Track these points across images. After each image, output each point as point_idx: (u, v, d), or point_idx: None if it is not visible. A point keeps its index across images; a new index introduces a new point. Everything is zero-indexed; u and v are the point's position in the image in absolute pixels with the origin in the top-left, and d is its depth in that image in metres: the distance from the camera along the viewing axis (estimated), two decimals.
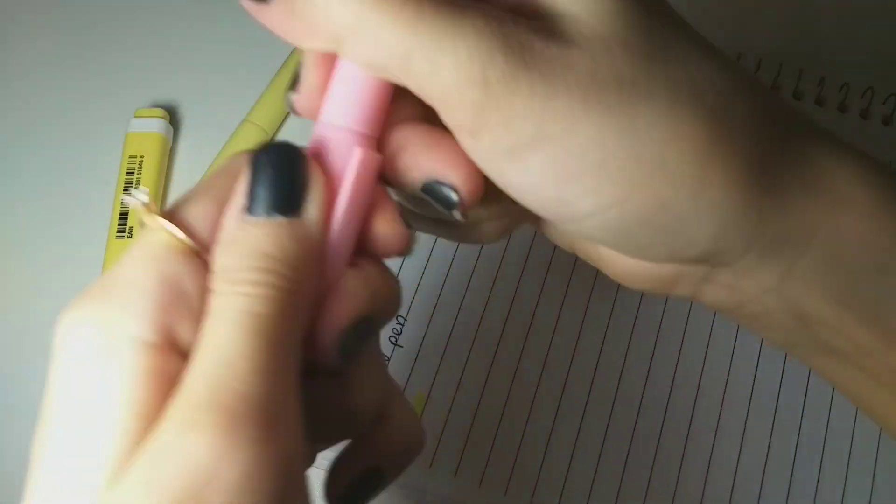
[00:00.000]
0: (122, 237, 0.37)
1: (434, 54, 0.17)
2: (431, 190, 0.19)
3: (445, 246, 0.36)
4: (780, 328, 0.21)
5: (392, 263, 0.21)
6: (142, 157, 0.39)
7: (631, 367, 0.34)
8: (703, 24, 0.47)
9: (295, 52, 0.41)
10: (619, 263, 0.22)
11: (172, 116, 0.41)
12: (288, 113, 0.41)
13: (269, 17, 0.19)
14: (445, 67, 0.17)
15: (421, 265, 0.36)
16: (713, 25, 0.44)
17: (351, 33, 0.18)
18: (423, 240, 0.34)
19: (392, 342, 0.35)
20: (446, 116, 0.18)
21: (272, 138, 0.40)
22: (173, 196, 0.40)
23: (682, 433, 0.33)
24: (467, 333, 0.35)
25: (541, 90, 0.17)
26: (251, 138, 0.39)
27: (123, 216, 0.38)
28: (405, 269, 0.36)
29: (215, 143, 0.40)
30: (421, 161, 0.19)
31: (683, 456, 0.33)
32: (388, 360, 0.34)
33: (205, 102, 0.41)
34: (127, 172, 0.38)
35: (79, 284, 0.37)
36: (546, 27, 0.18)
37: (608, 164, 0.18)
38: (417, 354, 0.34)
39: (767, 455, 0.33)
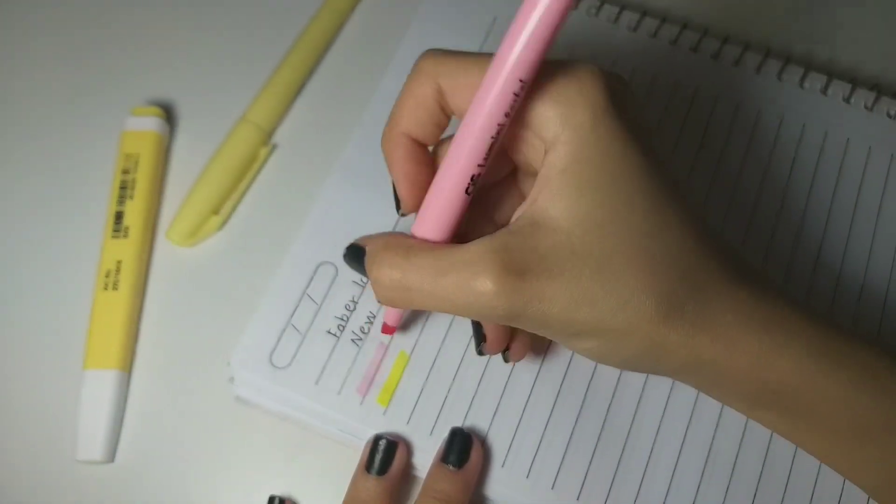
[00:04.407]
0: (118, 237, 0.37)
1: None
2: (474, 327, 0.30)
3: None
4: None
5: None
6: (138, 155, 0.38)
7: None
8: (711, 16, 0.46)
9: (293, 49, 0.41)
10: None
11: (169, 114, 0.41)
12: (286, 111, 0.41)
13: None
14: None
15: None
16: (721, 17, 0.43)
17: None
18: None
19: (378, 301, 0.35)
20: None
21: (270, 139, 0.40)
22: (170, 195, 0.39)
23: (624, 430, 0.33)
24: None
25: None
26: (248, 137, 0.39)
27: (119, 215, 0.37)
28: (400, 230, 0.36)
29: (212, 142, 0.39)
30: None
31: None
32: (375, 316, 0.35)
33: (202, 100, 0.41)
34: (123, 171, 0.38)
35: (74, 284, 0.37)
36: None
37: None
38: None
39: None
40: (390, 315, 0.33)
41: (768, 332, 0.27)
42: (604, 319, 0.25)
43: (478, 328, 0.30)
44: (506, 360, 0.32)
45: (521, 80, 0.24)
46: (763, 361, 0.27)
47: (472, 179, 0.26)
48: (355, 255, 0.28)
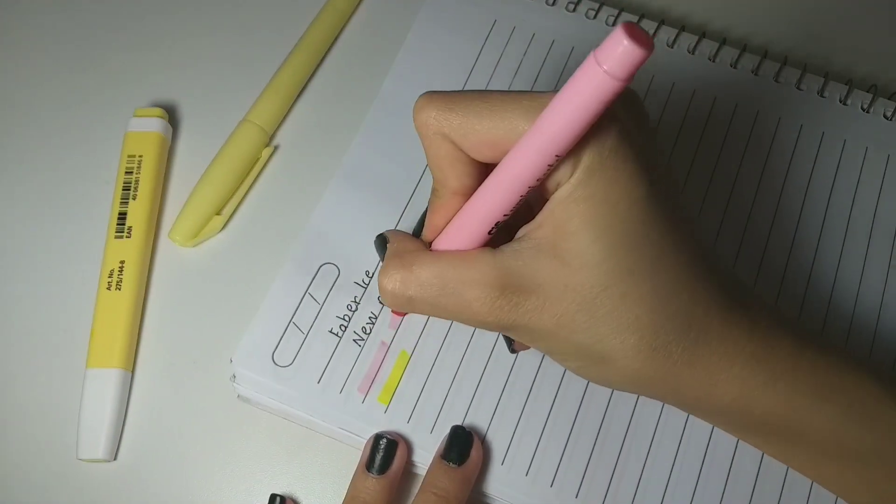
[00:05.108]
0: (121, 237, 0.37)
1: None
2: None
3: None
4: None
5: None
6: (140, 156, 0.38)
7: None
8: (709, 19, 0.47)
9: (295, 50, 0.41)
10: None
11: (171, 116, 0.41)
12: (287, 112, 0.41)
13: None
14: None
15: None
16: (718, 19, 0.44)
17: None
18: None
19: (381, 301, 0.35)
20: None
21: (272, 140, 0.40)
22: (172, 196, 0.39)
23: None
24: None
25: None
26: (250, 137, 0.39)
27: (122, 216, 0.37)
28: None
29: (214, 143, 0.39)
30: None
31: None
32: (377, 316, 0.35)
33: (204, 101, 0.41)
34: (126, 172, 0.38)
35: (78, 284, 0.37)
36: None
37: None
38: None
39: None
40: None
41: (753, 370, 0.27)
42: (582, 348, 0.27)
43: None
44: (511, 351, 0.33)
45: (557, 156, 0.24)
46: (746, 396, 0.28)
47: (495, 225, 0.27)
48: (381, 245, 0.30)
